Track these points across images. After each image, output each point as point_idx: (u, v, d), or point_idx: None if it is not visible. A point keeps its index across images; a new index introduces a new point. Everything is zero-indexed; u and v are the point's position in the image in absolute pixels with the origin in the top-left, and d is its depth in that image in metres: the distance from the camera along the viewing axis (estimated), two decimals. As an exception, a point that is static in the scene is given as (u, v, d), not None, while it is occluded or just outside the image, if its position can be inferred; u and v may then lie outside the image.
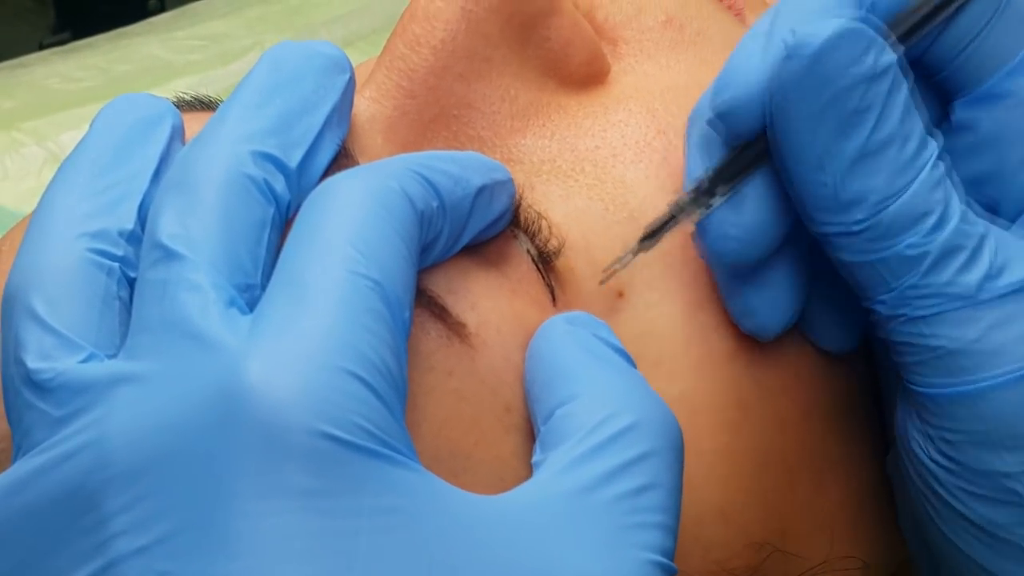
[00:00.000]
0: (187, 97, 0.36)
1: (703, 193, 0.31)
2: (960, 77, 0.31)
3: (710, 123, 0.31)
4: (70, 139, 0.93)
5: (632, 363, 0.30)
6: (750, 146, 0.31)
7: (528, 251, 0.32)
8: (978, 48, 0.30)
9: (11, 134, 0.93)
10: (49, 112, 0.96)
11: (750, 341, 0.33)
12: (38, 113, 0.95)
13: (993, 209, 0.31)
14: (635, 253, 0.31)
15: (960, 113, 0.31)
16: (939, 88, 0.32)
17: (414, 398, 0.29)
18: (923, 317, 0.29)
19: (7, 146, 0.92)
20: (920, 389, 0.30)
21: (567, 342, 0.30)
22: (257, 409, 0.25)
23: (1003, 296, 0.29)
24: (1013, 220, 0.31)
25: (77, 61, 1.03)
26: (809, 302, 0.33)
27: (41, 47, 1.18)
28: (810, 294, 0.33)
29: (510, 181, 0.32)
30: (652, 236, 0.31)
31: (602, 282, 0.32)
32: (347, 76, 0.31)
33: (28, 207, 0.85)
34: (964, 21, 0.30)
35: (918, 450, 0.31)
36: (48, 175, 0.89)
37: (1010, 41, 0.30)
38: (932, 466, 0.30)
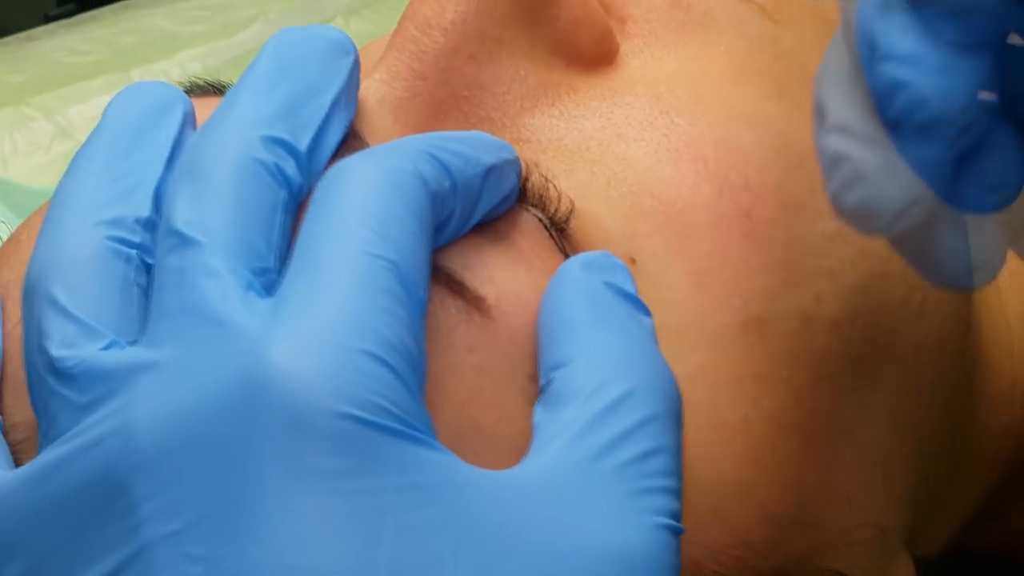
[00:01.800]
0: (199, 82, 0.36)
1: None
2: None
3: None
4: (78, 113, 0.92)
5: (644, 311, 0.30)
6: None
7: (540, 219, 0.33)
8: None
9: (20, 109, 0.93)
10: (57, 86, 0.96)
11: (757, 312, 0.33)
12: (46, 87, 0.95)
13: None
14: None
15: None
16: None
17: (436, 377, 0.29)
18: None
19: (16, 121, 0.92)
20: None
21: (574, 291, 0.30)
22: (280, 392, 0.25)
23: None
24: None
25: (84, 34, 1.03)
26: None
27: (47, 19, 1.18)
28: None
29: (517, 160, 0.32)
30: None
31: None
32: (352, 58, 0.32)
33: (38, 182, 0.85)
34: None
35: None
36: (57, 150, 0.89)
37: None
38: None
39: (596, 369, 0.28)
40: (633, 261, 0.33)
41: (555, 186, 0.33)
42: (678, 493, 0.28)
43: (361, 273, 0.26)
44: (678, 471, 0.28)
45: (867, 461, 0.35)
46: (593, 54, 0.35)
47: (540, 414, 0.29)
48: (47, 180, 0.85)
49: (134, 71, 0.97)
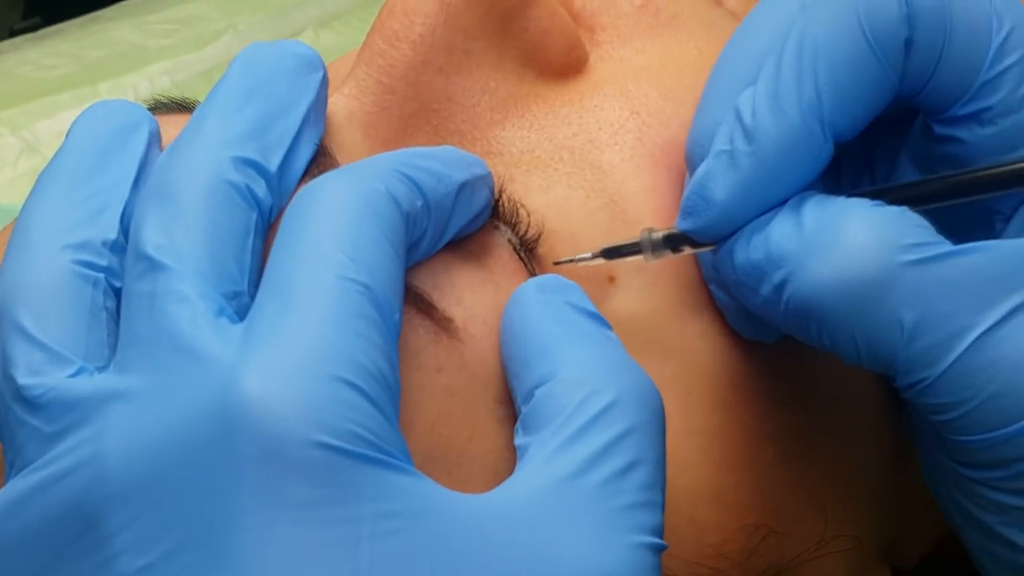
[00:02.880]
0: (164, 99, 0.36)
1: (676, 239, 0.31)
2: (931, 100, 0.30)
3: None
4: (45, 128, 0.91)
5: (607, 326, 0.30)
6: None
7: (509, 240, 0.32)
8: (939, 77, 0.30)
9: (-14, 124, 0.92)
10: (23, 101, 0.94)
11: None
12: (12, 102, 0.94)
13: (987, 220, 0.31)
14: (592, 258, 0.32)
15: (940, 129, 0.31)
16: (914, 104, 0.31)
17: (406, 396, 0.29)
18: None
19: (-18, 137, 0.91)
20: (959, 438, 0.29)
21: (540, 313, 0.30)
22: (253, 422, 0.25)
23: None
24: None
25: (49, 47, 1.02)
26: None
27: (12, 33, 1.17)
28: None
29: (489, 175, 0.32)
30: (613, 255, 0.32)
31: (556, 263, 0.32)
32: (320, 74, 0.32)
33: (5, 198, 0.84)
34: (918, 55, 0.29)
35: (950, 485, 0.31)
36: (24, 166, 0.88)
37: (967, 60, 0.29)
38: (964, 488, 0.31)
39: (580, 381, 0.28)
40: (612, 280, 0.33)
41: (525, 209, 0.33)
42: (660, 505, 0.28)
43: (335, 298, 0.26)
44: (661, 482, 0.28)
45: (844, 473, 0.35)
46: (562, 64, 0.35)
47: (521, 436, 0.28)
48: (14, 196, 0.84)
49: (102, 85, 0.96)
